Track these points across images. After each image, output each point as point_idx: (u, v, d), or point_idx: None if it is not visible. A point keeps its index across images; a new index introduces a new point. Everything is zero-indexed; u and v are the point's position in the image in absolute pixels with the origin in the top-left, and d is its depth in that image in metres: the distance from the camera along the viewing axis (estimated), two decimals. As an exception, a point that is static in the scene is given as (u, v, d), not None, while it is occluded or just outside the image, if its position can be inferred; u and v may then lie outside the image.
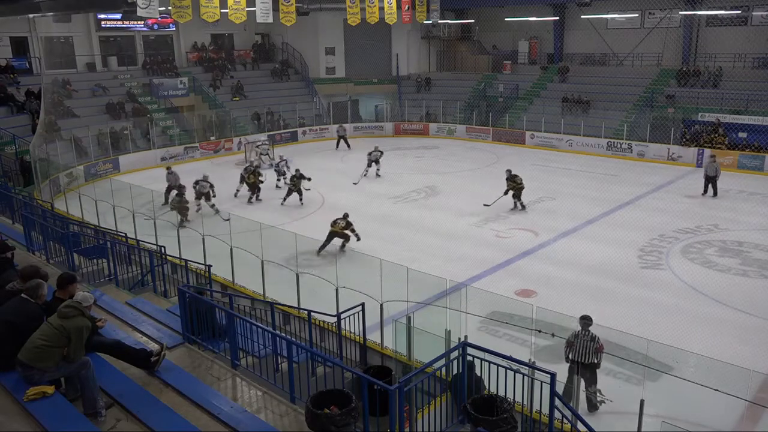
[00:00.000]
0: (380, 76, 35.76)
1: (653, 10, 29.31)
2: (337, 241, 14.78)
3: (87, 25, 29.08)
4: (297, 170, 19.35)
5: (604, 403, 8.31)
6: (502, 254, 14.70)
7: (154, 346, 6.51)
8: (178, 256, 12.47)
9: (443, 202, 19.45)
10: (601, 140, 26.90)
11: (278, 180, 21.06)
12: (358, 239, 14.84)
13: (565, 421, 5.80)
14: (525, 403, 5.86)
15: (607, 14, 29.55)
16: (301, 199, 19.05)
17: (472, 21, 35.52)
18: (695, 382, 6.99)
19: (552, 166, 23.95)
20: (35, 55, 27.36)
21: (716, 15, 27.56)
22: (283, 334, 7.52)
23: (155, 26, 30.86)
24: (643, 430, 7.07)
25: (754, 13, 27.21)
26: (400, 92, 35.20)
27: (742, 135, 24.20)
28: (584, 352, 8.22)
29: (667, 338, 8.89)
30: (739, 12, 26.76)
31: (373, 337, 9.40)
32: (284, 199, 18.81)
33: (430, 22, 29.63)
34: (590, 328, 8.32)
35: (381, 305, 9.47)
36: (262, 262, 11.54)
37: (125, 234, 12.46)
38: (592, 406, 8.30)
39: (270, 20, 21.21)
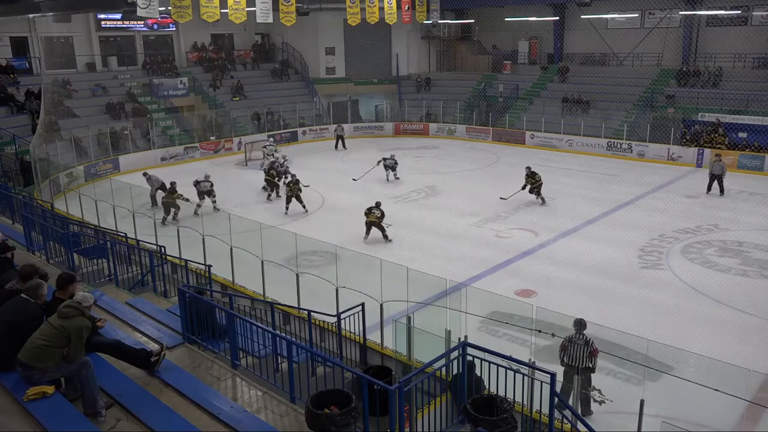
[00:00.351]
0: (380, 76, 35.75)
1: (653, 10, 29.30)
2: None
3: (87, 25, 29.08)
4: (293, 176, 19.07)
5: (605, 402, 8.29)
6: (502, 254, 14.70)
7: (154, 346, 6.50)
8: (178, 256, 12.47)
9: (443, 202, 19.45)
10: (601, 140, 26.90)
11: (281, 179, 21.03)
12: (387, 239, 15.65)
13: (565, 421, 5.80)
14: (525, 403, 5.86)
15: (607, 14, 29.54)
16: (303, 206, 18.40)
17: (472, 21, 35.52)
18: (695, 382, 6.98)
19: (552, 166, 23.89)
20: (35, 55, 27.35)
21: (716, 15, 27.56)
22: (283, 334, 7.52)
23: (155, 26, 30.85)
24: (643, 430, 7.06)
25: (754, 13, 27.20)
26: (400, 92, 35.21)
27: (742, 135, 24.20)
28: (578, 356, 8.16)
29: (667, 338, 8.88)
30: (739, 12, 26.75)
31: (373, 337, 9.40)
32: (287, 208, 18.32)
33: (430, 22, 29.64)
34: (585, 331, 8.24)
35: (381, 305, 9.46)
36: (262, 262, 11.54)
37: (125, 234, 12.46)
38: (586, 408, 8.25)
39: (270, 20, 21.21)
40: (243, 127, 29.99)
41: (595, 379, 8.37)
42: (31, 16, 24.23)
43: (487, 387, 6.05)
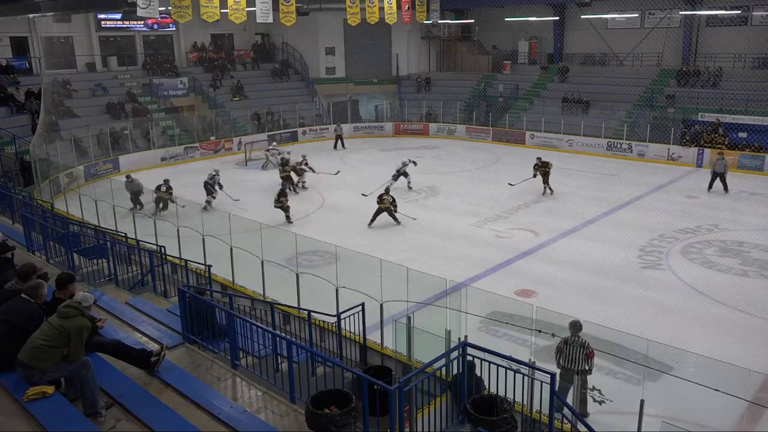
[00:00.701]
0: (380, 76, 35.75)
1: (653, 10, 29.30)
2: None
3: (87, 25, 29.08)
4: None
5: (604, 402, 8.29)
6: (502, 254, 14.70)
7: (154, 346, 6.50)
8: (178, 256, 12.47)
9: (443, 202, 19.45)
10: (601, 140, 26.90)
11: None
12: (397, 222, 16.38)
13: (565, 421, 5.80)
14: (525, 403, 5.86)
15: (607, 14, 29.51)
16: (288, 218, 17.39)
17: (472, 21, 35.53)
18: (695, 382, 6.98)
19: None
20: (35, 55, 27.35)
21: (716, 15, 27.55)
22: (283, 334, 7.52)
23: (155, 26, 30.84)
24: (643, 430, 7.06)
25: (754, 13, 27.20)
26: (400, 92, 35.21)
27: (742, 135, 24.21)
28: (574, 358, 8.13)
29: (667, 338, 8.88)
30: (739, 12, 26.74)
31: (373, 337, 9.39)
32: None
33: (430, 22, 29.60)
34: (581, 333, 8.19)
35: (381, 305, 9.46)
36: (262, 262, 11.54)
37: (125, 234, 12.46)
38: (583, 409, 8.21)
39: (270, 20, 21.20)
40: (243, 127, 29.99)
41: (595, 379, 8.36)
42: (31, 16, 24.20)
43: (487, 387, 6.04)
